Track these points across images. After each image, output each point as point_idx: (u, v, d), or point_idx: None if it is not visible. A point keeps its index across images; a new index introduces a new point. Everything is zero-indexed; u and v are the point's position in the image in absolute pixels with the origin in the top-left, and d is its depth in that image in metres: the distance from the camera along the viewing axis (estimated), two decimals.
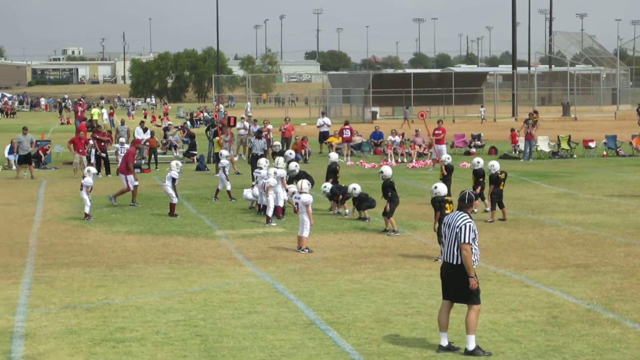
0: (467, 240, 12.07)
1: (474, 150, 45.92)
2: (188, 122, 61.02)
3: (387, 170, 23.10)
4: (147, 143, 40.29)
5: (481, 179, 24.77)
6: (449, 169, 26.76)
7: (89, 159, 36.69)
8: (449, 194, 19.43)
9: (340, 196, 25.19)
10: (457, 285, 12.16)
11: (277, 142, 39.12)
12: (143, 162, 39.24)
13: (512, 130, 47.43)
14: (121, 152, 37.34)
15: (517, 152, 44.58)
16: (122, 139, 38.99)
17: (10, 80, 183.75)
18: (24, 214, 25.89)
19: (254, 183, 26.48)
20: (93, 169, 26.60)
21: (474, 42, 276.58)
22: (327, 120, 49.69)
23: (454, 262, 12.16)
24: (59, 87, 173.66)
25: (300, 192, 20.21)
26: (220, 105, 77.83)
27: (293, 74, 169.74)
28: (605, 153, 44.53)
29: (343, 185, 25.86)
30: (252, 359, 12.12)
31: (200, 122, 73.95)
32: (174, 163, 25.95)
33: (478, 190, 24.38)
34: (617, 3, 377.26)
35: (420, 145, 44.08)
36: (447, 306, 12.39)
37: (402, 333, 13.26)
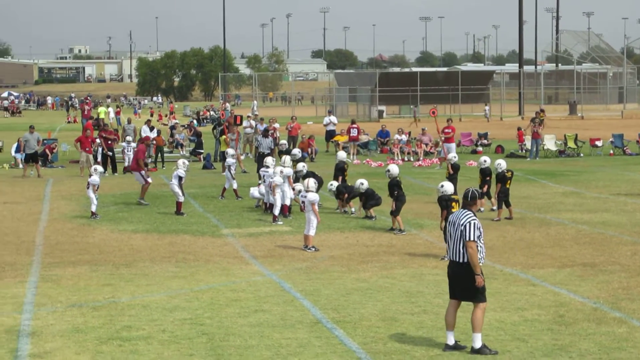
0: (472, 238, 12.06)
1: (480, 149, 45.90)
2: (195, 121, 61.04)
3: (394, 168, 23.08)
4: (154, 142, 40.32)
5: (488, 178, 24.76)
6: (455, 167, 26.76)
7: (95, 158, 36.72)
8: (455, 193, 19.43)
9: (346, 195, 25.20)
10: (464, 283, 12.15)
11: (284, 141, 39.07)
12: (150, 160, 39.27)
13: (519, 129, 47.39)
14: (128, 151, 37.45)
15: (524, 151, 44.55)
16: (128, 138, 39.06)
17: (17, 79, 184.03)
18: (30, 213, 25.92)
19: (260, 182, 26.49)
20: (100, 168, 26.64)
21: (481, 41, 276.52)
22: (333, 118, 49.70)
23: (460, 260, 12.15)
24: (66, 86, 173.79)
25: (307, 191, 20.22)
26: (227, 104, 78.01)
27: (299, 72, 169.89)
28: (612, 152, 44.49)
29: (350, 184, 25.87)
30: (258, 357, 12.13)
31: (206, 121, 74.02)
32: (180, 162, 25.98)
33: (485, 189, 24.38)
34: (624, 1, 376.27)
35: (426, 144, 44.07)
36: (454, 305, 12.38)
37: (409, 332, 13.26)
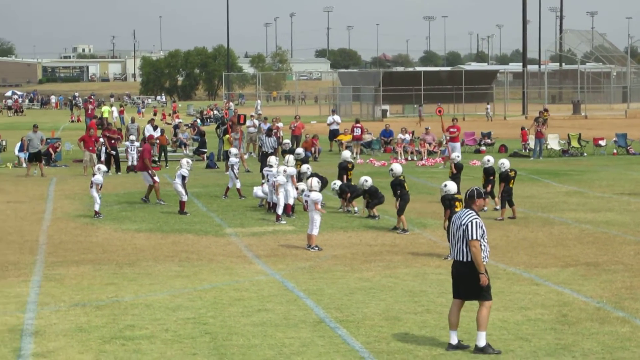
0: (475, 237, 12.05)
1: (484, 148, 45.90)
2: (198, 120, 61.06)
3: (397, 167, 23.06)
4: (157, 141, 40.32)
5: (491, 177, 24.75)
6: (459, 167, 26.75)
7: (99, 157, 36.77)
8: (458, 192, 19.42)
9: (349, 194, 25.20)
10: (468, 282, 12.14)
11: (287, 140, 39.04)
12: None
13: (523, 128, 47.35)
14: (131, 150, 37.46)
15: (527, 150, 44.50)
16: (132, 137, 39.07)
17: (21, 78, 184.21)
18: (34, 212, 25.95)
19: (263, 181, 26.50)
20: (103, 167, 26.65)
21: (484, 40, 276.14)
22: (337, 118, 49.71)
23: (464, 259, 12.14)
24: (70, 85, 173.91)
25: (310, 190, 20.22)
26: (231, 103, 77.95)
27: (303, 71, 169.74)
28: (615, 151, 44.45)
29: (354, 183, 25.86)
30: (261, 356, 12.13)
31: (210, 120, 74.03)
32: (184, 161, 25.98)
33: (489, 188, 24.37)
34: (628, 1, 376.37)
35: (430, 144, 44.06)
36: (457, 305, 12.37)
37: (412, 331, 13.25)
